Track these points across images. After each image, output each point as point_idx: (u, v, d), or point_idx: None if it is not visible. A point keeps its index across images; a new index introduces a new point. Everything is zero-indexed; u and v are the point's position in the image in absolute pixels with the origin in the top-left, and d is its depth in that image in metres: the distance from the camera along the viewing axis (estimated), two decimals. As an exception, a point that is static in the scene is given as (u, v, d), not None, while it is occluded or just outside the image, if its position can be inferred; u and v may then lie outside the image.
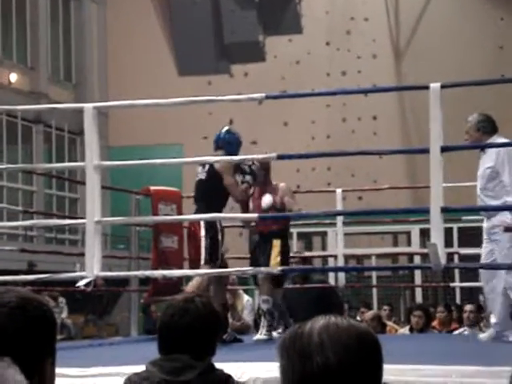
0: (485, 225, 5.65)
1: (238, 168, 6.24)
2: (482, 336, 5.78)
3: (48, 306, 1.48)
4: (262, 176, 6.35)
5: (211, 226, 6.05)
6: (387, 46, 18.92)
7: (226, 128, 6.35)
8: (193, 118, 18.47)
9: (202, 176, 6.17)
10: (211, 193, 6.04)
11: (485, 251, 5.61)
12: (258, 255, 6.33)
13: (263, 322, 6.21)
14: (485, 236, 5.64)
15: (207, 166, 6.14)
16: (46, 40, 18.91)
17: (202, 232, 6.03)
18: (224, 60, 19.91)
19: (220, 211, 6.00)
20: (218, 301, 5.91)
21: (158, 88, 18.03)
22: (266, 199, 6.27)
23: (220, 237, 6.10)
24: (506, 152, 5.46)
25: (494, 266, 5.43)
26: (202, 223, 6.03)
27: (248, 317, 8.20)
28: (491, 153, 5.53)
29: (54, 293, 12.48)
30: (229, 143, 6.16)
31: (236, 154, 6.08)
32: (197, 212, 6.10)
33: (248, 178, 6.29)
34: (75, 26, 19.92)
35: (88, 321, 15.50)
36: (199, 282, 5.93)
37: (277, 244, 6.28)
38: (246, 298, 8.29)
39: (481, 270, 5.89)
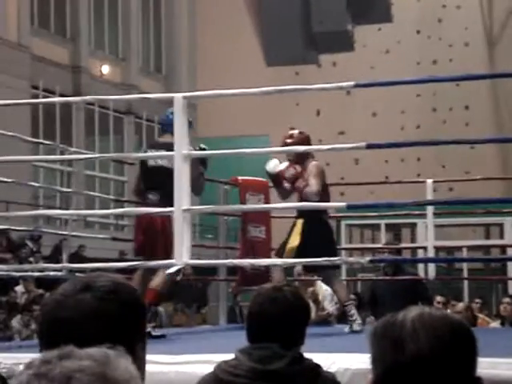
0: None
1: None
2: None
3: (138, 291, 1.49)
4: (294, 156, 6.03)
5: None
6: (480, 34, 18.50)
7: (171, 109, 5.35)
8: (280, 109, 18.48)
9: (164, 163, 5.63)
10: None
11: None
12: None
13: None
14: None
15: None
16: (137, 31, 19.20)
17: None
18: (312, 50, 19.82)
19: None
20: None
21: (245, 79, 18.10)
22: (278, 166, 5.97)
23: None
24: None
25: None
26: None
27: (329, 306, 8.12)
28: None
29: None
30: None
31: None
32: (156, 202, 5.54)
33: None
34: (166, 17, 20.16)
35: (177, 309, 15.68)
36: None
37: (299, 225, 5.86)
38: (324, 287, 8.14)
39: None
